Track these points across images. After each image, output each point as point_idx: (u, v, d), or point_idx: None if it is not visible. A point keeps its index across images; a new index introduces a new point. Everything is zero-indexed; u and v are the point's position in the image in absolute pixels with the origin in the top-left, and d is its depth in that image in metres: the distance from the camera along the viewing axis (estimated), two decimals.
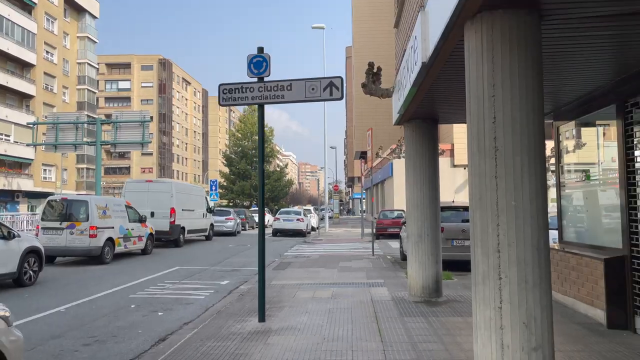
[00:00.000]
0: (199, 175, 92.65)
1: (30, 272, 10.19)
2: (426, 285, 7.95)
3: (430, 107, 7.39)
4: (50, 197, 14.71)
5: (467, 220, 9.97)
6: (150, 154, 73.08)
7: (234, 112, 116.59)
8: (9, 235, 9.72)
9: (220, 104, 7.21)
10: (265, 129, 41.89)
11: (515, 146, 3.60)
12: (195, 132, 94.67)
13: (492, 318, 3.56)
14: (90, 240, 13.38)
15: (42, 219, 13.79)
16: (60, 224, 13.51)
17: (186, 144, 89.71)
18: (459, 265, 10.68)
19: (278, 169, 68.60)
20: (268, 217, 38.08)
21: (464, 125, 4.81)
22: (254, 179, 59.48)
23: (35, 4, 44.65)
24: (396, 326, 6.30)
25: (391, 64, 10.23)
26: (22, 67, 43.78)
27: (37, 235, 13.35)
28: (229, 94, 7.07)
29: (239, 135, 63.32)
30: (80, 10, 52.35)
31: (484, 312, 3.64)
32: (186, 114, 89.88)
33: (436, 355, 5.08)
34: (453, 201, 13.34)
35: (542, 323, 3.49)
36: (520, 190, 3.57)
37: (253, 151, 61.40)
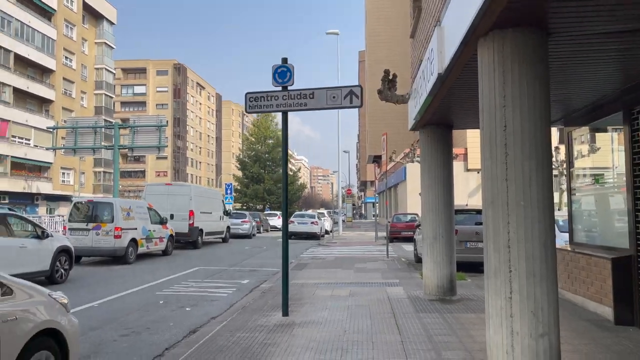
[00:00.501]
0: (212, 179, 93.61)
1: (62, 270, 10.72)
2: (441, 285, 8.30)
3: (445, 114, 7.76)
4: (76, 199, 15.30)
5: (481, 223, 10.32)
6: (165, 157, 74.06)
7: (247, 116, 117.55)
8: (43, 235, 10.27)
9: (246, 112, 7.66)
10: (278, 133, 43.16)
11: (524, 152, 3.97)
12: (209, 136, 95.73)
13: (503, 307, 3.93)
14: (115, 240, 13.92)
15: (69, 220, 14.37)
16: (87, 225, 14.07)
17: (200, 147, 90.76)
18: (473, 267, 10.99)
19: (291, 173, 69.14)
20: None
21: (477, 130, 5.16)
22: (267, 182, 60.05)
23: (55, 10, 45.78)
24: (412, 321, 6.66)
25: (404, 67, 10.60)
26: (42, 72, 44.88)
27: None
28: (254, 102, 7.50)
29: (253, 139, 63.99)
30: (98, 17, 53.51)
31: (495, 302, 4.00)
32: (200, 118, 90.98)
33: (451, 346, 5.44)
34: (467, 204, 13.66)
35: (548, 312, 3.85)
36: (528, 192, 3.94)
37: (266, 155, 62.04)
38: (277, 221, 37.93)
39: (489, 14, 3.78)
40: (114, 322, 7.17)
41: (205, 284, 10.81)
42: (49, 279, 10.40)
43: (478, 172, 28.89)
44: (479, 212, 11.56)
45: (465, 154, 29.90)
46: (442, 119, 8.18)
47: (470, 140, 28.97)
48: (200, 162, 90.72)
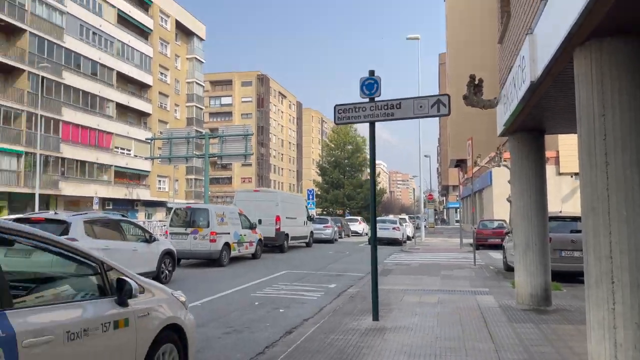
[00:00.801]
0: (293, 185, 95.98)
1: (166, 271, 11.70)
2: (534, 294, 8.09)
3: (537, 120, 7.59)
4: (175, 206, 16.54)
5: (577, 231, 9.87)
6: (250, 164, 77.00)
7: (326, 123, 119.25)
8: (150, 239, 11.28)
9: (335, 123, 8.00)
10: (357, 138, 43.33)
11: (625, 160, 3.90)
12: (290, 143, 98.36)
13: (606, 318, 3.87)
14: (211, 244, 14.88)
15: (170, 225, 15.58)
16: (186, 229, 15.16)
17: (282, 154, 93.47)
18: (569, 277, 10.54)
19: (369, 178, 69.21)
20: (363, 226, 38.76)
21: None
22: (346, 188, 60.66)
23: (151, 30, 49.56)
24: (506, 331, 6.60)
25: (487, 69, 10.39)
26: (140, 88, 48.71)
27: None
28: (343, 114, 7.81)
29: (332, 145, 65.01)
30: (189, 34, 57.13)
31: (597, 313, 3.96)
32: (282, 126, 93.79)
33: (548, 357, 5.36)
34: (560, 211, 13.08)
35: None
36: (631, 200, 3.86)
37: (346, 161, 62.73)
38: (357, 226, 38.24)
39: (587, 24, 3.78)
40: (216, 320, 7.76)
41: (294, 287, 11.29)
42: (155, 279, 11.31)
43: (572, 177, 27.30)
44: (574, 219, 11.06)
45: (557, 157, 28.36)
46: (533, 125, 8.00)
47: (563, 142, 27.45)
48: (282, 169, 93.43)
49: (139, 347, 3.86)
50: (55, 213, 9.83)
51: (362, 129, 78.08)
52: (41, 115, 34.29)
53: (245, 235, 16.90)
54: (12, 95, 34.02)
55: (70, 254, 3.64)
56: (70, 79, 38.32)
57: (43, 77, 35.01)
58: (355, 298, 9.36)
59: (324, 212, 57.82)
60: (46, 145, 35.52)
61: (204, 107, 63.00)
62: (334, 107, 7.90)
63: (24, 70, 34.28)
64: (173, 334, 4.40)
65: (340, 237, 32.52)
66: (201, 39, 59.34)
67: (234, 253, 16.02)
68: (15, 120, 34.09)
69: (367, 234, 33.74)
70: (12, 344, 2.70)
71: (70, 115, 38.21)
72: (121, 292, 3.75)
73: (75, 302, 3.52)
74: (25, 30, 34.46)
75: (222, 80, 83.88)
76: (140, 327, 3.89)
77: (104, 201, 41.56)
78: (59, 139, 37.13)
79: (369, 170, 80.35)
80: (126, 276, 3.95)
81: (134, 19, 46.87)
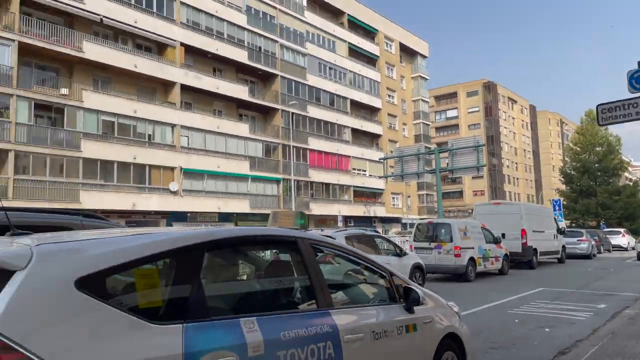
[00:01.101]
0: (532, 195, 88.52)
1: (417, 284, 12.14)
2: None
3: None
4: (418, 222, 17.10)
5: None
6: (481, 176, 74.27)
7: (566, 124, 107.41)
8: (401, 253, 11.93)
9: (599, 124, 7.28)
10: (610, 138, 38.42)
11: None
12: (524, 150, 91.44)
13: None
14: (456, 259, 14.86)
15: (414, 240, 16.14)
16: (429, 244, 15.50)
17: (516, 163, 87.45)
18: None
19: (630, 183, 59.47)
20: (627, 239, 33.42)
21: None
22: (600, 195, 53.22)
23: (377, 57, 52.69)
24: None
25: None
26: (370, 112, 52.01)
27: None
28: (608, 113, 7.05)
29: (578, 149, 58.07)
30: (412, 54, 58.81)
31: None
32: (514, 133, 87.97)
33: None
34: None
35: None
36: None
37: (596, 165, 55.22)
38: (620, 239, 33.13)
39: None
40: (479, 335, 7.70)
41: (555, 306, 10.43)
42: None
43: None
44: None
45: None
46: None
47: None
48: (517, 179, 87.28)
49: (426, 352, 4.13)
50: (322, 230, 11.22)
51: (614, 127, 67.74)
52: (293, 146, 39.54)
53: (490, 250, 16.36)
54: (271, 131, 40.20)
55: (366, 264, 4.17)
56: (313, 111, 43.34)
57: (292, 113, 40.45)
58: (637, 320, 8.17)
59: (573, 224, 51.83)
60: (297, 171, 40.72)
61: (430, 123, 63.62)
62: (596, 107, 7.20)
63: (277, 109, 40.23)
64: (452, 342, 4.57)
65: (599, 252, 28.65)
66: (424, 57, 60.38)
67: (479, 268, 15.65)
68: (273, 152, 40.12)
69: (633, 248, 28.86)
70: (337, 339, 3.23)
71: (314, 143, 43.09)
72: (408, 299, 4.09)
73: (373, 306, 3.99)
74: (277, 75, 40.48)
75: (446, 94, 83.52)
76: (425, 333, 4.16)
77: (345, 219, 45.30)
78: (307, 165, 42.19)
79: (627, 174, 69.12)
80: (411, 286, 4.30)
81: (362, 49, 50.58)
